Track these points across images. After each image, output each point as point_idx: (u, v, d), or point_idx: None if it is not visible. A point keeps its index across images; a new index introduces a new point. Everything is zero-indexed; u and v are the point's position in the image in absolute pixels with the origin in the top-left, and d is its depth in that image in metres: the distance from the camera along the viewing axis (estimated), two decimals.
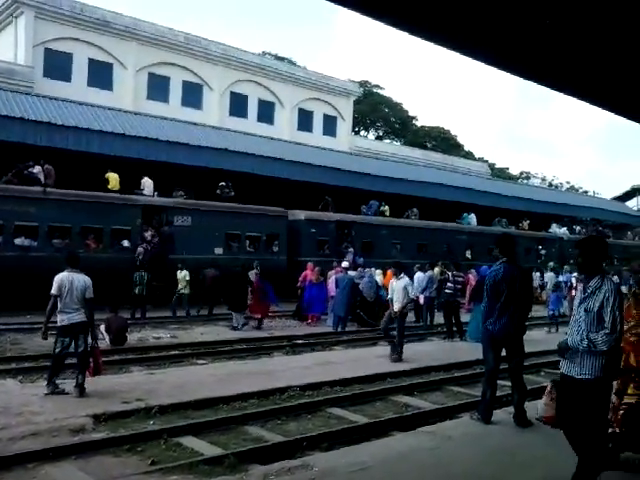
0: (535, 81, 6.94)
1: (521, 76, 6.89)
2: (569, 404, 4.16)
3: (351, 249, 22.39)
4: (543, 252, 31.14)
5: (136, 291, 15.43)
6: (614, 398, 5.10)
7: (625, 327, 4.52)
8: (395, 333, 11.01)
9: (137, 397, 7.50)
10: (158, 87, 31.58)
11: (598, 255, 4.25)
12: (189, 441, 6.21)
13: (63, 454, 5.60)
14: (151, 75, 31.58)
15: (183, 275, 16.35)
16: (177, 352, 11.51)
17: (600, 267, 4.23)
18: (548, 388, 4.46)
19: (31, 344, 11.59)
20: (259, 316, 15.11)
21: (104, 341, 11.65)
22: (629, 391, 5.10)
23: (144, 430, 6.37)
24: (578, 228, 36.97)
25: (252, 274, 15.47)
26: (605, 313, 3.99)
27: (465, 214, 29.96)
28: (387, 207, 26.48)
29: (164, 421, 6.79)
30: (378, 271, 17.38)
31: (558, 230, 34.61)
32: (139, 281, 15.49)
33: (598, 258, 4.24)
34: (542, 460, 5.23)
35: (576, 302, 4.32)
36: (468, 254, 27.07)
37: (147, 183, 19.74)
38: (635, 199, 49.14)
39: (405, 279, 10.86)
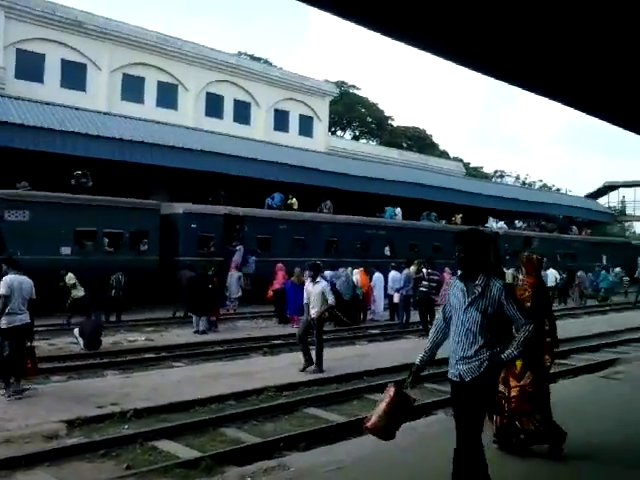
0: (507, 81, 7.04)
1: (492, 76, 6.97)
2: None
3: (240, 247, 19.85)
4: None
5: (112, 294, 15.27)
6: (503, 388, 5.31)
7: None
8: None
9: (112, 401, 7.43)
10: (133, 88, 31.27)
11: (481, 250, 3.80)
12: (165, 444, 6.17)
13: (36, 461, 5.52)
14: (125, 76, 31.26)
15: (68, 278, 14.35)
16: (153, 355, 11.42)
17: (485, 264, 3.81)
18: (391, 393, 3.86)
19: None
20: (214, 318, 14.77)
21: (78, 345, 11.54)
22: (511, 383, 5.31)
23: (119, 435, 6.31)
24: (520, 223, 35.64)
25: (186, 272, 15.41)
26: (508, 310, 3.70)
27: (389, 207, 27.46)
28: (295, 200, 24.34)
29: (139, 425, 6.74)
30: (355, 271, 17.46)
31: (495, 225, 32.75)
32: (115, 284, 15.32)
33: (482, 254, 3.80)
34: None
35: (455, 304, 3.84)
36: (387, 250, 24.94)
37: None
38: (607, 196, 50.04)
39: (322, 283, 9.96)
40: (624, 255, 36.48)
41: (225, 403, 7.79)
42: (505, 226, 33.25)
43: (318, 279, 10.01)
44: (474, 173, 56.11)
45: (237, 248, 19.62)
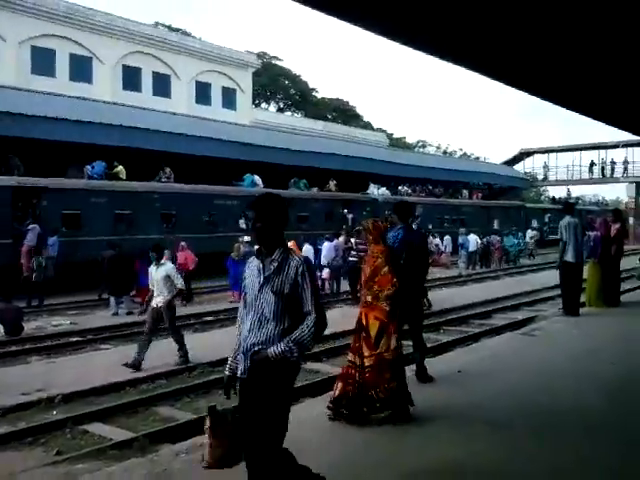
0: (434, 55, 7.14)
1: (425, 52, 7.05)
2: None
3: (33, 226, 16.07)
4: (350, 216, 26.20)
5: (33, 277, 14.60)
6: (353, 357, 5.17)
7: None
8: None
9: (37, 388, 7.20)
10: (43, 61, 29.55)
11: (279, 219, 3.21)
12: (96, 427, 6.07)
13: None
14: (34, 48, 29.47)
15: None
16: (79, 338, 11.10)
17: (281, 235, 3.23)
18: (208, 424, 3.32)
19: None
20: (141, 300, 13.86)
21: None
22: (365, 352, 5.07)
23: (46, 421, 6.14)
24: (405, 188, 33.39)
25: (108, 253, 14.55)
26: (302, 291, 3.10)
27: (248, 175, 24.36)
28: (121, 167, 20.54)
29: (68, 410, 6.58)
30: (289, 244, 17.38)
31: (376, 191, 30.53)
32: (36, 267, 14.65)
33: (279, 223, 3.21)
34: (446, 410, 5.53)
35: (249, 285, 3.21)
36: (242, 224, 21.89)
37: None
38: (522, 162, 52.19)
39: (167, 266, 8.82)
40: (517, 218, 37.18)
41: (156, 382, 7.71)
42: (387, 192, 31.06)
43: (163, 261, 8.94)
44: (397, 143, 57.02)
45: (29, 227, 16.01)
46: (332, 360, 9.03)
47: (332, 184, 28.98)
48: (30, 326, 11.94)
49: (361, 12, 5.23)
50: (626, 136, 22.37)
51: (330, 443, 4.71)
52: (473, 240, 24.57)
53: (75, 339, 11.07)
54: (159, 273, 8.65)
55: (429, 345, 7.68)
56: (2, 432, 5.83)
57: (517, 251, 28.35)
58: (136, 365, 8.18)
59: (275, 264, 3.13)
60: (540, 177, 50.80)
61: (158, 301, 8.64)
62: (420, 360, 6.69)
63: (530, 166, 51.78)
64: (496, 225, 34.64)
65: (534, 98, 9.51)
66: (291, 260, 3.12)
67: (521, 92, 9.18)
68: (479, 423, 5.15)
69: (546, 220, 40.67)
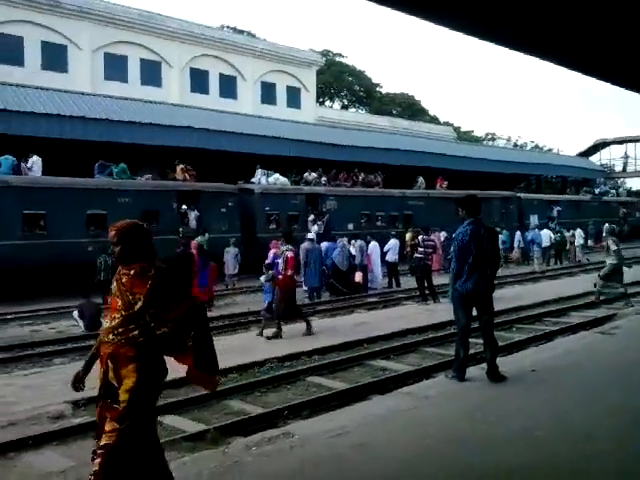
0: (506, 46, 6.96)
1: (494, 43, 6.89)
2: None
3: None
4: (194, 213, 20.10)
5: (101, 277, 15.02)
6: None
7: (107, 325, 3.36)
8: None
9: None
10: (115, 67, 30.82)
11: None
12: (171, 419, 6.24)
13: (44, 441, 5.58)
14: (107, 55, 30.78)
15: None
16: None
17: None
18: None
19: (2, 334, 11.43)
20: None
21: (79, 327, 11.59)
22: (107, 427, 3.29)
23: None
24: (313, 175, 25.04)
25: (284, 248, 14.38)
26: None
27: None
28: (125, 165, 19.23)
29: None
30: (353, 241, 17.35)
31: (264, 179, 23.20)
32: (104, 266, 15.10)
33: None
34: (518, 413, 5.37)
35: None
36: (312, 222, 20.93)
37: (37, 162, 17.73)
38: (598, 154, 50.00)
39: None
40: (508, 213, 30.45)
41: (228, 377, 7.85)
42: (283, 179, 23.67)
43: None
44: (465, 137, 55.87)
45: None
46: (399, 358, 8.95)
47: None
48: None
49: (443, 10, 5.12)
50: None
51: None
52: (546, 236, 23.74)
53: None
54: None
55: (501, 344, 7.46)
56: (84, 422, 6.09)
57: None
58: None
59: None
60: (618, 169, 48.50)
61: None
62: (492, 358, 6.53)
63: (607, 157, 49.57)
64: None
65: (609, 88, 9.08)
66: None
67: (595, 81, 8.80)
68: (554, 425, 4.97)
69: (554, 214, 32.74)
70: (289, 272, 10.50)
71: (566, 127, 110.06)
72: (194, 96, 32.54)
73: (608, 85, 9.10)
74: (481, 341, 6.88)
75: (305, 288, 16.06)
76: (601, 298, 13.23)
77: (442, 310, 12.14)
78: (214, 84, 35.09)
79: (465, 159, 33.50)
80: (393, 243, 17.74)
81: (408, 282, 17.27)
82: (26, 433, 5.68)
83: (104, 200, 17.37)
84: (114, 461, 3.20)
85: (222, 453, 4.63)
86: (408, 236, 18.89)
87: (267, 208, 21.63)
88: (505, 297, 13.36)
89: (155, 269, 3.36)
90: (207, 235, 18.28)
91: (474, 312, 6.60)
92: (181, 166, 21.12)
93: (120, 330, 3.26)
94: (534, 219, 29.54)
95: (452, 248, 6.94)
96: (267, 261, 15.02)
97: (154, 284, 3.28)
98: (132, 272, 3.33)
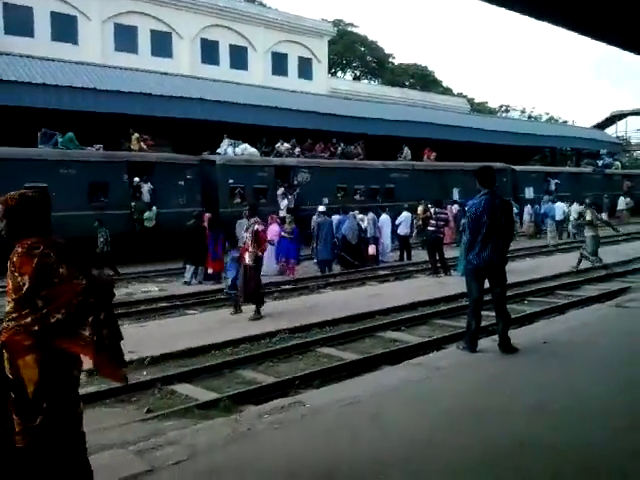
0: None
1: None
2: None
3: None
4: (147, 186, 18.56)
5: (103, 249, 14.91)
6: None
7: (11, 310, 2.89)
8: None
9: (129, 349, 7.48)
10: (125, 38, 30.55)
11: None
12: (183, 388, 6.31)
13: None
14: (117, 26, 30.50)
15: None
16: (166, 304, 11.56)
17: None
18: None
19: None
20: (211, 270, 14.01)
21: None
22: (16, 427, 2.84)
23: (137, 381, 6.45)
24: (285, 146, 23.36)
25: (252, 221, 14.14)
26: None
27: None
28: (72, 134, 17.95)
29: (157, 370, 6.89)
30: (360, 215, 17.16)
31: (230, 149, 21.51)
32: (103, 239, 14.94)
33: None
34: (532, 386, 5.34)
35: None
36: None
37: None
38: (614, 126, 49.16)
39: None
40: (500, 186, 28.74)
41: (240, 347, 7.92)
42: (251, 149, 21.90)
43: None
44: (479, 108, 55.11)
45: None
46: (410, 330, 8.96)
47: (406, 150, 26.69)
48: (121, 292, 12.56)
49: None
50: None
51: None
52: (559, 209, 23.51)
53: (163, 305, 11.53)
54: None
55: (513, 316, 7.43)
56: (99, 390, 6.18)
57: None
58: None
59: None
60: (635, 141, 47.71)
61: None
62: (503, 330, 6.50)
63: (623, 129, 48.75)
64: (456, 195, 25.75)
65: (625, 59, 8.87)
66: None
67: (611, 52, 8.57)
68: (566, 396, 4.95)
69: (552, 187, 31.31)
70: (263, 246, 9.79)
71: (581, 99, 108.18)
72: (205, 67, 32.24)
73: (624, 56, 8.86)
74: (492, 313, 6.85)
75: (315, 260, 16.09)
76: (579, 267, 14.17)
77: (453, 283, 12.13)
78: (224, 55, 34.72)
79: (478, 131, 33.00)
80: (405, 216, 17.72)
81: (419, 255, 17.25)
82: None
83: (45, 172, 15.96)
84: (31, 466, 2.83)
85: (234, 421, 4.67)
86: (420, 209, 18.83)
87: (231, 181, 20.08)
88: (517, 270, 13.29)
89: (44, 244, 2.93)
90: (154, 209, 17.65)
91: (486, 284, 6.56)
92: (136, 135, 19.61)
93: (14, 315, 2.85)
94: (529, 192, 28.29)
95: (465, 220, 6.86)
96: (269, 237, 14.87)
97: (41, 262, 2.85)
98: (20, 249, 2.92)
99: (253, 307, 9.67)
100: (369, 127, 27.17)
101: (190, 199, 19.00)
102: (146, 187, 18.40)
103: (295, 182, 21.75)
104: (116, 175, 17.79)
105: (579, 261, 14.19)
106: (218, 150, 21.36)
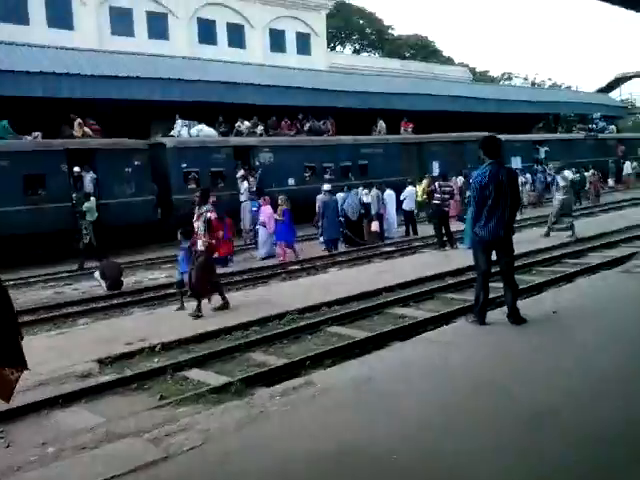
0: None
1: None
2: None
3: None
4: (90, 175, 17.43)
5: (87, 240, 14.75)
6: None
7: None
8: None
9: (140, 337, 7.60)
10: (122, 21, 30.19)
11: None
12: (195, 373, 6.36)
13: (73, 399, 5.73)
14: (112, 8, 30.13)
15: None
16: (174, 290, 11.57)
17: None
18: None
19: (24, 298, 11.60)
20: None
21: (101, 287, 11.76)
22: None
23: (149, 368, 6.50)
24: (245, 124, 22.02)
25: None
26: None
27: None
28: (6, 122, 16.78)
29: (168, 357, 6.93)
30: (365, 191, 16.97)
31: (184, 130, 20.26)
32: (87, 230, 14.77)
33: None
34: (543, 357, 5.32)
35: None
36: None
37: None
38: (619, 89, 48.44)
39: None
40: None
41: (250, 329, 7.95)
42: (208, 129, 20.76)
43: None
44: (481, 78, 54.41)
45: None
46: (418, 305, 8.96)
47: (380, 124, 24.42)
48: (129, 280, 12.62)
49: None
50: None
51: None
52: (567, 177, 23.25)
53: (171, 291, 11.55)
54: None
55: (521, 287, 7.41)
56: (111, 379, 6.23)
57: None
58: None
59: None
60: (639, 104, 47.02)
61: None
62: (512, 301, 6.50)
63: (627, 92, 47.97)
64: (436, 169, 23.45)
65: (628, 19, 8.69)
66: None
67: (614, 13, 8.38)
68: (580, 370, 4.95)
69: (541, 155, 30.24)
70: (218, 234, 9.19)
71: (585, 63, 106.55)
72: (202, 47, 31.88)
73: (627, 16, 8.69)
74: (500, 285, 6.84)
75: (321, 240, 16.02)
76: (551, 234, 14.48)
77: (460, 256, 12.09)
78: (222, 34, 34.28)
79: (478, 100, 32.55)
80: (410, 191, 17.70)
81: (425, 230, 17.19)
82: (56, 392, 5.84)
83: None
84: None
85: (247, 404, 4.71)
86: (424, 182, 18.76)
87: (184, 165, 18.87)
88: (523, 240, 13.22)
89: None
90: (93, 200, 16.01)
91: (493, 256, 6.53)
92: (79, 120, 18.16)
93: None
94: (516, 162, 27.08)
95: (470, 191, 6.81)
96: (260, 219, 14.69)
97: None
98: None
99: (256, 293, 9.60)
100: (340, 100, 25.66)
101: (140, 187, 17.93)
102: (88, 177, 17.22)
103: (257, 163, 20.67)
104: (54, 165, 16.52)
105: (568, 229, 14.36)
106: (172, 133, 20.02)
